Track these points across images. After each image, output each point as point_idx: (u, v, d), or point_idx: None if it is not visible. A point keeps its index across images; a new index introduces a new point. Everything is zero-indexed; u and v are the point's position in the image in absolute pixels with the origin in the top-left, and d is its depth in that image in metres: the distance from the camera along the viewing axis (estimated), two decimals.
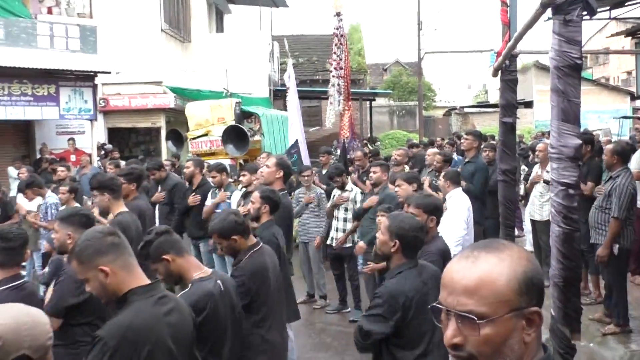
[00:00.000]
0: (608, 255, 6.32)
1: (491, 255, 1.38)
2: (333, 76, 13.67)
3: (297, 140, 11.52)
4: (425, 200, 4.43)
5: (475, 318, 1.32)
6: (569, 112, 3.38)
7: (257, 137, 12.93)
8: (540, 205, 8.14)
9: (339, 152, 12.31)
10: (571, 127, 3.39)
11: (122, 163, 10.85)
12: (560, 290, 3.50)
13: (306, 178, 8.36)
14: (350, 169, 9.95)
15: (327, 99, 15.55)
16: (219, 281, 3.47)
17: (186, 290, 3.33)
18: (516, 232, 11.52)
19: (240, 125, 11.87)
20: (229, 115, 12.10)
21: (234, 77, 16.58)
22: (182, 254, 3.38)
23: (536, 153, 8.49)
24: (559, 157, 3.42)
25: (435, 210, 4.38)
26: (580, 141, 3.44)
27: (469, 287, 1.35)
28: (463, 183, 7.00)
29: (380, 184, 6.93)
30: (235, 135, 11.51)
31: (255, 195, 5.01)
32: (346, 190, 7.82)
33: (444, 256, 4.14)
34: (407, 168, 9.71)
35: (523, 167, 12.10)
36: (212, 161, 9.69)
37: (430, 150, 10.14)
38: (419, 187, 5.94)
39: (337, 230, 7.79)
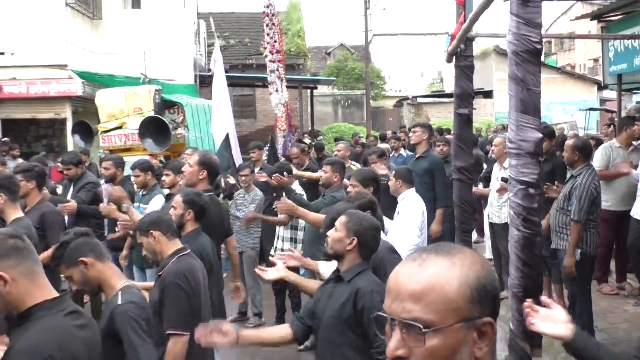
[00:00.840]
0: (575, 263, 6.40)
1: (441, 258, 1.40)
2: (271, 61, 13.66)
3: (227, 134, 11.45)
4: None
5: (421, 326, 1.32)
6: (528, 103, 3.48)
7: (180, 131, 12.78)
8: (498, 206, 8.34)
9: (276, 148, 12.33)
10: (531, 119, 3.49)
11: (20, 161, 10.53)
12: (520, 301, 3.59)
13: (244, 178, 8.33)
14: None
15: (262, 86, 15.52)
16: (142, 293, 3.52)
17: (114, 295, 3.34)
18: (475, 237, 11.93)
19: (161, 117, 11.70)
20: (147, 104, 11.91)
21: (153, 60, 16.33)
22: (103, 259, 3.40)
23: (492, 148, 8.71)
24: (518, 153, 3.52)
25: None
26: (540, 135, 3.54)
27: (415, 292, 1.35)
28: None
29: (330, 186, 6.92)
30: (154, 128, 11.34)
31: (177, 199, 4.95)
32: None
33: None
34: (357, 166, 9.80)
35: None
36: (130, 158, 9.52)
37: (381, 146, 10.29)
38: (376, 190, 6.00)
39: (282, 239, 7.76)
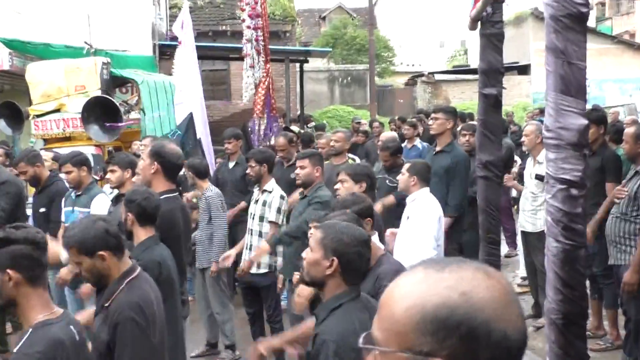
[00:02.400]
0: (638, 281, 6.42)
1: (421, 272, 1.42)
2: (248, 27, 13.59)
3: (191, 115, 11.43)
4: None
5: (372, 344, 1.40)
6: (570, 80, 3.48)
7: (134, 115, 12.75)
8: (532, 211, 8.36)
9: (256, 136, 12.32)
10: (573, 101, 3.49)
11: None
12: (559, 331, 3.60)
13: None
14: None
15: (238, 59, 15.46)
16: (72, 326, 3.44)
17: (24, 337, 3.28)
18: (506, 250, 11.94)
19: (110, 97, 11.68)
20: (92, 82, 11.87)
21: (99, 25, 16.25)
22: (36, 282, 3.40)
23: (522, 139, 8.72)
24: (557, 144, 3.52)
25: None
26: (585, 121, 3.54)
27: (380, 303, 1.44)
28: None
29: (311, 184, 6.97)
30: (102, 112, 11.31)
31: (124, 201, 4.97)
32: (265, 191, 7.83)
33: None
34: (356, 159, 9.81)
35: (516, 158, 12.41)
36: (65, 149, 9.49)
37: (387, 135, 10.27)
38: (370, 187, 6.02)
39: (251, 249, 7.79)
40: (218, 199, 8.31)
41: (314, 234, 3.66)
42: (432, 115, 8.83)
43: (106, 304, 3.98)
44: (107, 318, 3.93)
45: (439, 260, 1.45)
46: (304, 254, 3.67)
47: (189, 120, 11.30)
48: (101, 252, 3.92)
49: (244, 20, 13.65)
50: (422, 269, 1.42)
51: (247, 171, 8.16)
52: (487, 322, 1.33)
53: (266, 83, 13.49)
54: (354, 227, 3.73)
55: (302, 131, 15.43)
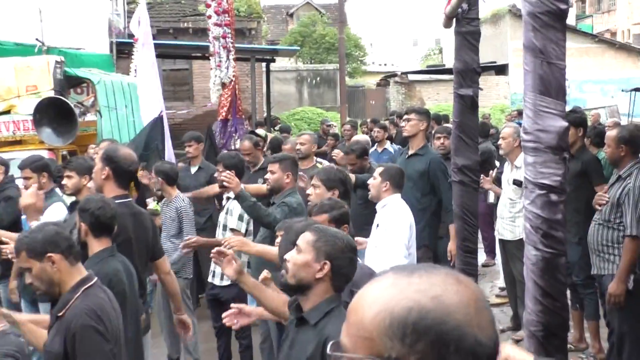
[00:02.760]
0: (624, 291, 6.41)
1: (390, 277, 1.44)
2: (216, 24, 13.54)
3: (159, 119, 11.37)
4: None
5: (340, 352, 1.43)
6: (549, 81, 3.51)
7: (90, 117, 12.65)
8: (510, 218, 8.39)
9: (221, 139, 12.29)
10: (552, 103, 3.52)
11: None
12: (539, 343, 3.62)
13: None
14: None
15: (201, 57, 15.42)
16: (22, 339, 3.43)
17: None
18: (484, 259, 11.99)
19: (64, 98, 11.57)
20: (44, 81, 11.76)
21: (52, 21, 16.11)
22: None
23: (499, 142, 8.75)
24: (536, 147, 3.55)
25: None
26: (565, 123, 3.57)
27: (348, 310, 1.47)
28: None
29: (280, 190, 6.94)
30: (55, 114, 11.20)
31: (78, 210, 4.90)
32: (229, 198, 7.80)
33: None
34: (324, 163, 9.79)
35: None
36: (21, 154, 9.39)
37: (359, 138, 10.31)
38: (343, 195, 6.01)
39: (222, 227, 7.78)
40: (190, 209, 8.27)
41: (304, 235, 3.67)
42: (405, 116, 8.83)
43: (60, 314, 3.94)
44: (62, 328, 3.88)
45: (409, 266, 1.49)
46: (288, 256, 3.67)
47: (156, 124, 11.22)
48: (50, 254, 3.90)
49: (210, 17, 13.61)
50: (391, 274, 1.45)
51: (215, 175, 8.11)
52: (457, 327, 1.35)
53: (232, 84, 13.46)
54: (344, 233, 3.81)
55: (268, 134, 15.39)
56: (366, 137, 11.31)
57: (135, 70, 12.84)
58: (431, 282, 1.40)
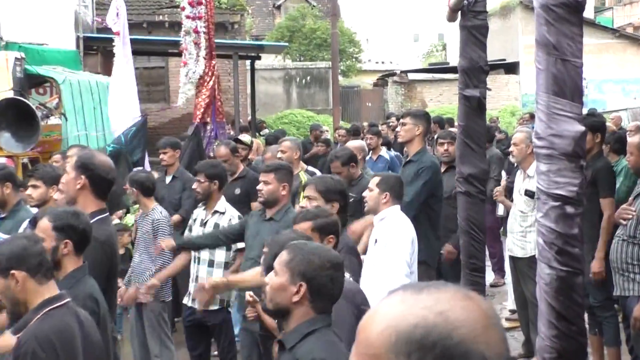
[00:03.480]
0: None
1: (399, 294, 1.54)
2: (188, 17, 13.54)
3: (139, 125, 11.39)
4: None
5: None
6: (563, 80, 3.51)
7: (54, 120, 12.62)
8: (521, 232, 8.37)
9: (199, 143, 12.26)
10: (568, 105, 3.52)
11: None
12: None
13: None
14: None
15: (178, 54, 15.35)
16: None
17: None
18: (492, 278, 11.98)
19: (24, 99, 11.55)
20: (2, 80, 11.74)
21: (11, 14, 16.09)
22: None
23: (510, 148, 8.73)
24: (550, 154, 3.55)
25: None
26: (582, 127, 3.58)
27: (358, 329, 1.56)
28: None
29: (275, 203, 6.88)
30: (14, 117, 11.18)
31: (43, 225, 4.81)
32: (216, 212, 7.81)
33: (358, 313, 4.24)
34: (317, 173, 9.77)
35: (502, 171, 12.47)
36: None
37: (353, 144, 10.28)
38: (342, 209, 5.99)
39: (199, 262, 7.74)
40: (167, 223, 8.24)
41: (280, 256, 3.68)
42: (401, 120, 8.83)
43: (18, 335, 3.94)
44: (15, 352, 3.88)
45: (419, 283, 1.57)
46: (267, 279, 3.70)
47: (142, 125, 11.22)
48: (14, 272, 3.90)
49: (183, 9, 13.60)
50: (400, 291, 1.54)
51: (194, 186, 8.07)
52: (463, 343, 1.44)
53: (210, 83, 13.43)
54: (325, 248, 3.83)
55: (254, 140, 15.34)
56: (361, 143, 11.24)
57: (111, 68, 12.82)
58: (438, 299, 1.49)
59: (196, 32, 13.23)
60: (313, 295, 3.56)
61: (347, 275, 4.06)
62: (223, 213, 7.81)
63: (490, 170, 9.46)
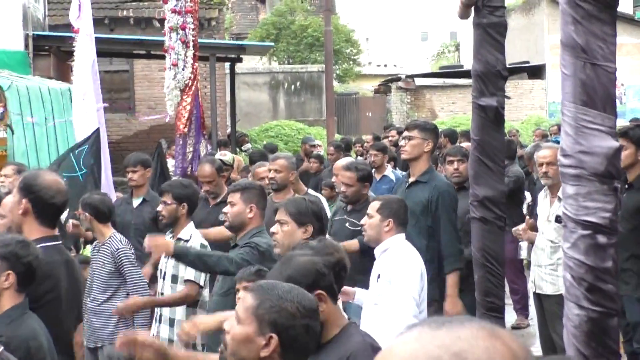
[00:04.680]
0: None
1: (416, 330, 1.54)
2: (173, 10, 13.51)
3: (94, 137, 11.36)
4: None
5: None
6: (594, 88, 3.52)
7: None
8: (551, 266, 8.37)
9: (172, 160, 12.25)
10: (599, 117, 3.53)
11: None
12: None
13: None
14: None
15: (145, 56, 15.40)
16: None
17: None
18: (514, 319, 11.95)
19: None
20: None
21: None
22: None
23: (537, 166, 8.72)
24: (578, 174, 3.55)
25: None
26: (616, 143, 3.58)
27: None
28: None
29: (242, 227, 6.90)
30: None
31: None
32: (180, 240, 7.78)
33: None
34: (313, 194, 9.76)
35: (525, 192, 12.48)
36: None
37: (338, 165, 10.23)
38: (319, 232, 5.99)
39: (161, 321, 7.73)
40: (130, 251, 8.21)
41: (244, 299, 3.60)
42: (405, 133, 8.65)
43: None
44: None
45: (440, 318, 1.58)
46: (226, 326, 3.59)
47: (95, 139, 11.20)
48: None
49: (166, 1, 13.57)
50: (419, 327, 1.56)
51: (158, 209, 8.03)
52: None
53: (193, 88, 13.41)
54: (299, 290, 3.67)
55: (235, 157, 15.29)
56: (349, 159, 11.12)
57: (72, 71, 12.76)
58: (458, 336, 1.49)
59: (183, 28, 13.21)
60: (285, 349, 3.48)
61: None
62: (187, 240, 7.76)
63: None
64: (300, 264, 4.13)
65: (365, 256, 7.40)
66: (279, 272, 4.20)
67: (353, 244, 7.91)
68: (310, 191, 10.01)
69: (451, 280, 7.77)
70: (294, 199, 6.60)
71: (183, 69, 13.23)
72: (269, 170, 9.31)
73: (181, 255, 6.76)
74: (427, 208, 7.96)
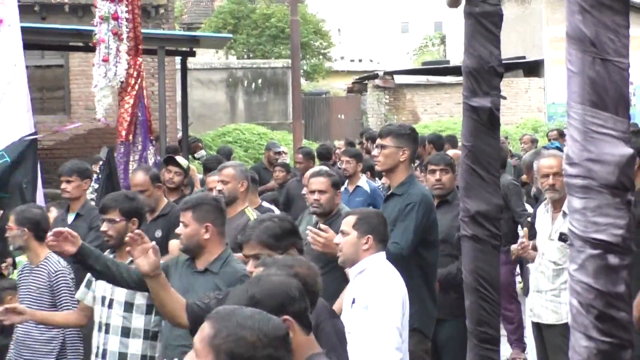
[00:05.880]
0: None
1: None
2: None
3: (32, 142, 11.35)
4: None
5: None
6: (604, 87, 3.54)
7: None
8: (553, 291, 8.42)
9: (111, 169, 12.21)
10: (611, 120, 3.55)
11: None
12: None
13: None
14: None
15: (84, 49, 15.35)
16: None
17: None
18: (510, 352, 11.98)
19: None
20: None
21: None
22: None
23: (538, 177, 8.75)
24: (586, 185, 3.57)
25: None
26: (629, 149, 3.60)
27: None
28: None
29: (200, 252, 6.89)
30: None
31: None
32: (131, 263, 7.77)
33: None
34: (274, 210, 9.77)
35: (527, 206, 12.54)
36: None
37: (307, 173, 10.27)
38: (301, 252, 6.00)
39: (105, 356, 7.69)
40: (69, 275, 8.19)
41: (202, 329, 3.54)
42: (377, 141, 8.56)
43: None
44: None
45: None
46: (186, 357, 3.56)
47: (29, 145, 11.17)
48: None
49: None
50: None
51: (103, 228, 7.94)
52: None
53: (136, 87, 13.36)
54: (262, 316, 3.62)
55: (191, 166, 15.26)
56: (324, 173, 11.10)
57: None
58: None
59: (116, 18, 13.16)
60: None
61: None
62: (131, 262, 7.73)
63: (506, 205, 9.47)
64: (269, 283, 4.11)
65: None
66: (244, 291, 4.18)
67: None
68: (265, 203, 10.02)
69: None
70: (260, 224, 6.44)
71: (116, 65, 13.13)
72: (217, 182, 9.28)
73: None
74: (402, 217, 7.98)
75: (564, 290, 8.01)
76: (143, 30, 15.78)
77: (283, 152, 18.83)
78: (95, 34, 13.26)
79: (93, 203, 10.39)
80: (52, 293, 8.02)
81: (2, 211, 9.54)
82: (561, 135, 18.37)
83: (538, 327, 8.65)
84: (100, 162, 12.67)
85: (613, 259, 3.59)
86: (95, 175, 11.60)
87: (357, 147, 17.58)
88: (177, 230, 7.06)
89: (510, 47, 32.68)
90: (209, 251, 6.86)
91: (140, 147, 13.15)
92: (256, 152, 26.73)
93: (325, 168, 9.30)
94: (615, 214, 3.58)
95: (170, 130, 24.60)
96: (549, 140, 19.94)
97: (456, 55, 45.25)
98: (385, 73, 38.50)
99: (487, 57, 6.14)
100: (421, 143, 12.39)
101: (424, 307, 7.85)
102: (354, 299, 6.46)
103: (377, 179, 13.61)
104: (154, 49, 21.31)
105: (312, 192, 8.64)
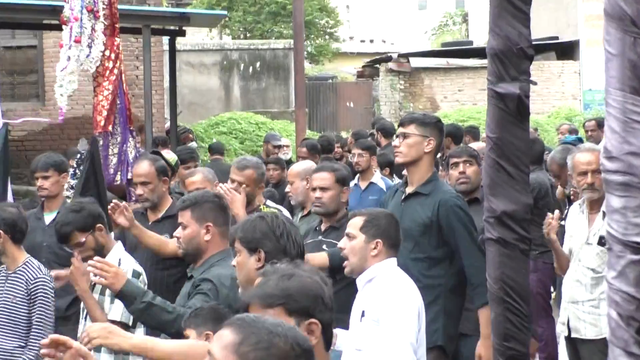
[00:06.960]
0: None
1: None
2: None
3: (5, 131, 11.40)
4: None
5: None
6: None
7: None
8: (591, 302, 8.43)
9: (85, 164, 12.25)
10: None
11: None
12: None
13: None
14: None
15: (59, 27, 15.35)
16: None
17: None
18: None
19: None
20: None
21: None
22: None
23: (574, 175, 8.76)
24: (626, 182, 3.58)
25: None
26: None
27: None
28: None
29: (198, 255, 6.89)
30: None
31: None
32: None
33: None
34: (282, 210, 9.79)
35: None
36: None
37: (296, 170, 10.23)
38: (281, 251, 5.99)
39: None
40: (50, 284, 8.20)
41: (220, 336, 3.50)
42: (399, 129, 8.51)
43: None
44: None
45: None
46: None
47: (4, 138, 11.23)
48: None
49: None
50: None
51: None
52: None
53: (115, 72, 13.37)
54: (288, 325, 3.63)
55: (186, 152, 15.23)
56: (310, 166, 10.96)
57: None
58: None
59: None
60: None
61: None
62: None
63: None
64: (303, 281, 4.12)
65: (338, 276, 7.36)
66: (274, 285, 4.20)
67: (319, 257, 7.84)
68: (270, 203, 9.99)
69: (484, 317, 7.63)
70: (244, 220, 6.43)
71: (90, 47, 13.05)
72: (232, 181, 9.17)
73: (129, 297, 6.44)
74: (429, 228, 7.91)
75: (604, 300, 8.01)
76: (126, 7, 15.78)
77: (284, 145, 18.72)
78: (66, 11, 13.21)
79: (69, 201, 10.31)
80: (30, 303, 8.02)
81: None
82: (599, 125, 18.28)
83: (572, 343, 8.65)
84: (78, 156, 12.61)
85: None
86: (71, 170, 11.52)
87: (370, 139, 17.50)
88: (175, 233, 7.05)
89: (542, 26, 32.69)
90: (207, 255, 6.86)
91: (119, 139, 13.10)
92: (253, 145, 26.71)
93: (328, 162, 9.25)
94: None
95: (157, 120, 24.59)
96: (586, 131, 19.88)
97: (480, 36, 45.29)
98: (400, 55, 38.50)
99: (515, 37, 6.14)
100: None
101: (448, 322, 7.80)
102: (363, 312, 6.42)
103: (394, 176, 13.48)
104: (139, 27, 21.32)
105: (314, 189, 8.61)
